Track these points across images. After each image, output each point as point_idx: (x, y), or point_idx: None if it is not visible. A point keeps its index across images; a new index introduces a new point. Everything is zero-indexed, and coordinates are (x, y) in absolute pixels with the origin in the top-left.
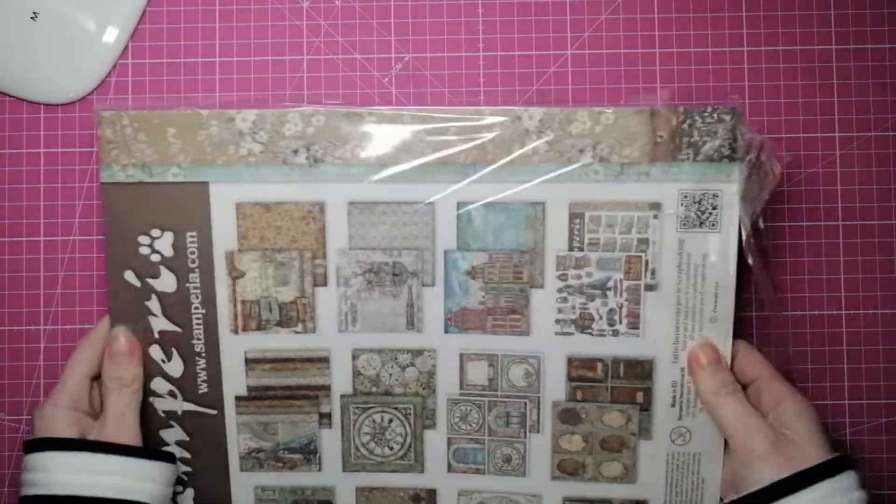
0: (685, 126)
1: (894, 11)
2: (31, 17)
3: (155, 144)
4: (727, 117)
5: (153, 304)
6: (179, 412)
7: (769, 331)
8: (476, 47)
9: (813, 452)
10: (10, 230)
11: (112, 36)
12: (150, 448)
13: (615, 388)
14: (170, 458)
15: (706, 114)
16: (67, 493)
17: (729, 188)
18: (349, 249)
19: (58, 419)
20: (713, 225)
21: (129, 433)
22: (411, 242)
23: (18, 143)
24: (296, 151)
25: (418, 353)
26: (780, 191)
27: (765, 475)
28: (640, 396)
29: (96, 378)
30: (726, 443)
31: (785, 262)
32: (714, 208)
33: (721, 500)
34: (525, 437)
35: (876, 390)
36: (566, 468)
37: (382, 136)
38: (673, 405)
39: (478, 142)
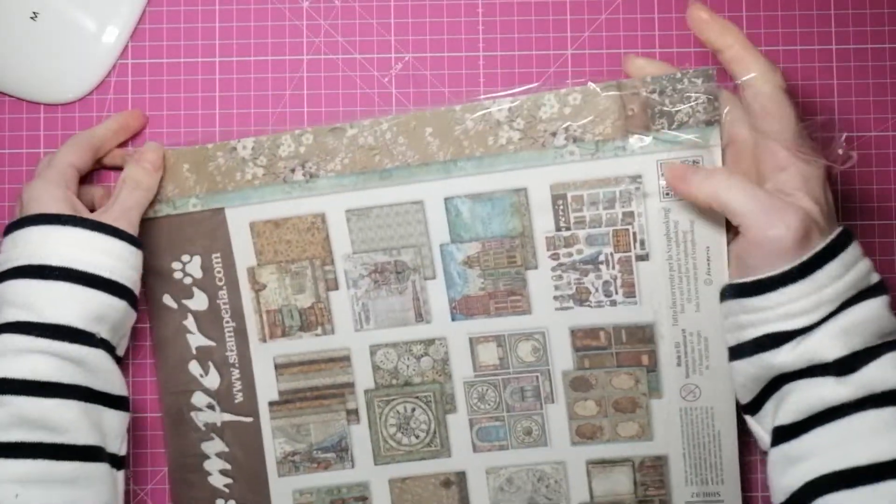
0: (655, 96)
1: (894, 11)
2: (31, 17)
3: (174, 180)
4: (699, 80)
5: (189, 323)
6: (219, 423)
7: None
8: (476, 47)
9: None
10: None
11: (112, 36)
12: (127, 232)
13: (620, 354)
14: (141, 244)
15: (677, 79)
16: (63, 265)
17: (708, 153)
18: (353, 254)
19: (50, 195)
20: None
21: (129, 225)
22: (408, 240)
23: (18, 143)
24: (293, 170)
25: (430, 342)
26: None
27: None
28: (645, 359)
29: (82, 178)
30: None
31: None
32: None
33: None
34: (542, 408)
35: None
36: (584, 433)
37: (366, 145)
38: (679, 364)
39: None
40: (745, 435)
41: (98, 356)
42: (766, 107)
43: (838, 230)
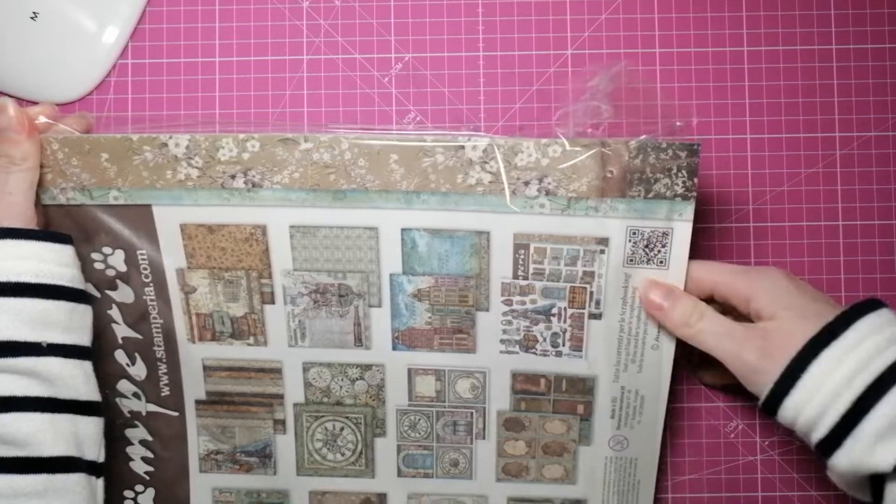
0: (637, 162)
1: (894, 11)
2: (31, 17)
3: (89, 169)
4: (683, 154)
5: (115, 314)
6: (144, 413)
7: None
8: (476, 47)
9: (806, 325)
10: None
11: (112, 36)
12: (42, 230)
13: (557, 401)
14: (66, 239)
15: (661, 148)
16: None
17: (680, 227)
18: (294, 270)
19: None
20: (661, 262)
21: (19, 215)
22: (356, 265)
23: None
24: (233, 176)
25: (367, 367)
26: (780, 191)
27: (769, 378)
28: (580, 408)
29: None
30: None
31: (785, 262)
32: (664, 246)
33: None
34: (472, 443)
35: None
36: (510, 470)
37: (321, 162)
38: (612, 417)
39: (419, 170)
40: (660, 492)
41: (50, 364)
42: (772, 308)
43: (812, 333)
